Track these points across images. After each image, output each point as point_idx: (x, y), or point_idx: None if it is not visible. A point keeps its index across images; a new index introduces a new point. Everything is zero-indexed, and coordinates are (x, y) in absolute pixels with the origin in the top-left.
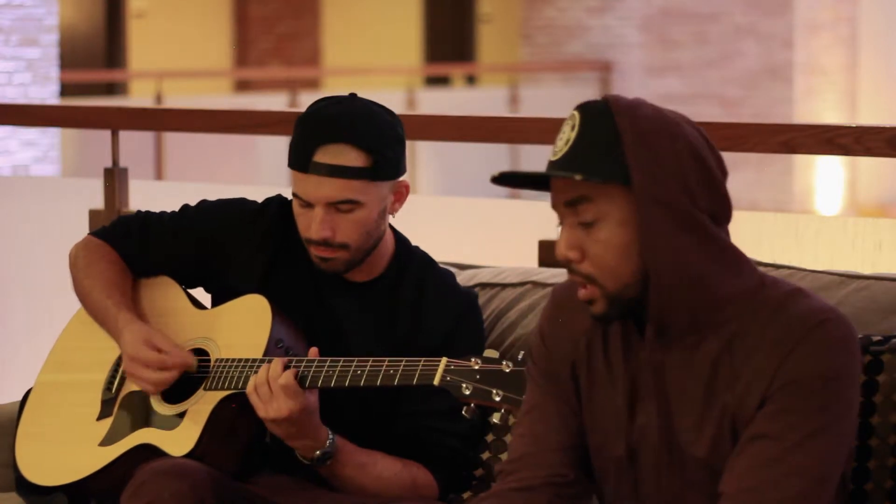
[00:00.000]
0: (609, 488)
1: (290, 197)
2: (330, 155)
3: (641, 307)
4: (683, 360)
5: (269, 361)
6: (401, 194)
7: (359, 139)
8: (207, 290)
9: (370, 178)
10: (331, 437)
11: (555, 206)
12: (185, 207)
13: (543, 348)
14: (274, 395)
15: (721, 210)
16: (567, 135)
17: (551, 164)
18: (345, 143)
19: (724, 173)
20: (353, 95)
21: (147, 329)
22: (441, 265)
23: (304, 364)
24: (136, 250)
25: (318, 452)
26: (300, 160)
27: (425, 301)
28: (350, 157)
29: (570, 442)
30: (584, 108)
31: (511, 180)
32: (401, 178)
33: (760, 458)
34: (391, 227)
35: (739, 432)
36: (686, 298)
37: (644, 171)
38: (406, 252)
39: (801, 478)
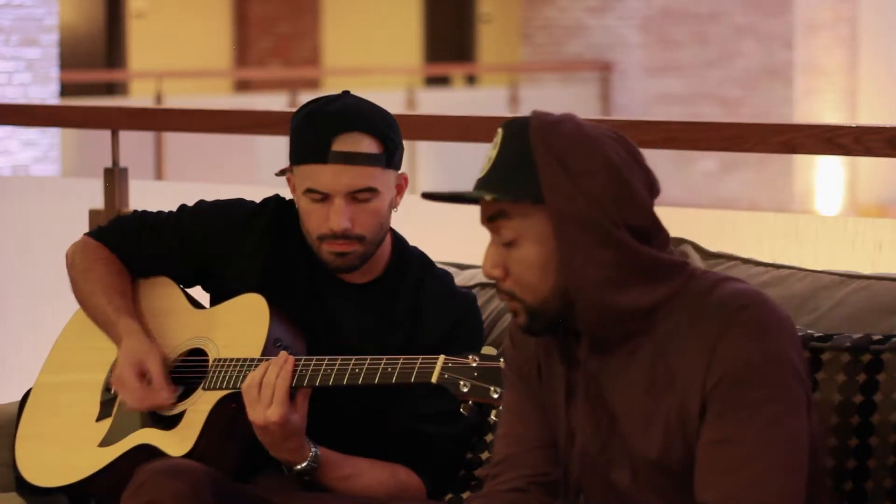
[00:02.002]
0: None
1: (287, 197)
2: (348, 143)
3: (572, 320)
4: (621, 368)
5: (268, 360)
6: (401, 187)
7: (371, 127)
8: (206, 290)
9: (384, 165)
10: (313, 451)
11: (482, 223)
12: (183, 208)
13: (513, 350)
14: (261, 399)
15: (646, 225)
16: (490, 153)
17: (476, 183)
18: (360, 132)
19: (654, 190)
20: (346, 92)
21: (144, 347)
22: (441, 265)
23: (301, 362)
24: (132, 251)
25: (296, 468)
26: (317, 152)
27: (424, 303)
28: (366, 144)
29: (548, 440)
30: (507, 126)
31: (443, 196)
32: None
33: (730, 462)
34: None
35: (688, 427)
36: (613, 312)
37: (555, 189)
38: (404, 253)
39: (775, 473)
